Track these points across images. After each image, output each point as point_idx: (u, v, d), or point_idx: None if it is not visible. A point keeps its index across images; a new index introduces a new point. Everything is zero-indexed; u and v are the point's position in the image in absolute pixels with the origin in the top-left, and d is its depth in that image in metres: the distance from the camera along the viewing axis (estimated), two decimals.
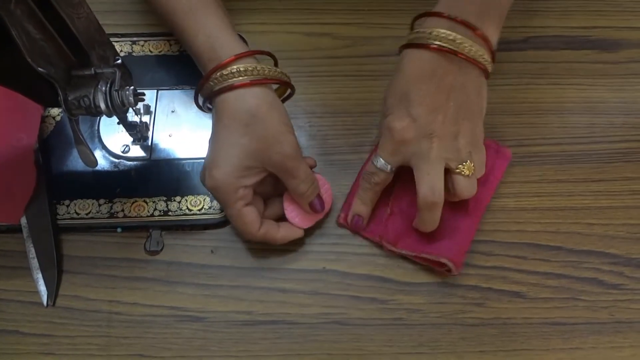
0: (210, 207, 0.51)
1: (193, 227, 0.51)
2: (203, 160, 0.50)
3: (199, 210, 0.51)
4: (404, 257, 0.49)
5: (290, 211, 0.49)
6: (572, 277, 0.49)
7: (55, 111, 0.54)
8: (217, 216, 0.50)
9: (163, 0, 0.49)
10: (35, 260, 0.49)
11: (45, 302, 0.48)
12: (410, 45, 0.47)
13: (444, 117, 0.45)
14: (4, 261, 0.50)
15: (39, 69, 0.36)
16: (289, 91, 0.50)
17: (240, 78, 0.45)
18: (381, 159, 0.47)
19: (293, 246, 0.50)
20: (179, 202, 0.51)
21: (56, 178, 0.52)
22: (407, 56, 0.47)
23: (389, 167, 0.47)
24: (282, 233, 0.48)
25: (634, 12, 0.60)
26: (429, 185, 0.45)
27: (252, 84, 0.45)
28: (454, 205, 0.49)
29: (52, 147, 0.53)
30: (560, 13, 0.60)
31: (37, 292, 0.48)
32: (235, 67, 0.45)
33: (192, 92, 0.54)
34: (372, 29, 0.59)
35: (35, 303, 0.48)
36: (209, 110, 0.49)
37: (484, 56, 0.45)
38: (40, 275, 0.48)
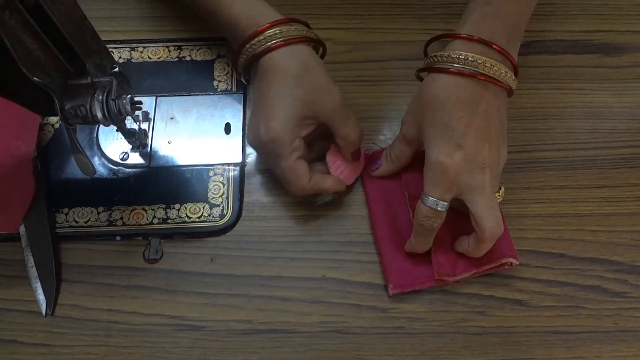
0: (209, 215, 0.50)
1: (192, 235, 0.50)
2: (201, 168, 0.50)
3: (199, 217, 0.50)
4: None
5: (336, 168, 0.50)
6: (576, 285, 0.48)
7: (53, 119, 0.54)
8: (216, 224, 0.50)
9: None
10: (34, 269, 0.48)
11: (44, 312, 0.47)
12: (440, 70, 0.45)
13: (489, 145, 0.44)
14: (3, 270, 0.49)
15: (34, 78, 0.36)
16: (320, 50, 0.52)
17: (283, 39, 0.47)
18: (434, 198, 0.44)
19: (293, 253, 0.50)
20: (178, 210, 0.50)
21: (55, 186, 0.51)
22: (438, 82, 0.45)
23: (446, 204, 0.44)
24: (329, 183, 0.49)
25: (636, 16, 0.60)
26: (495, 218, 0.43)
27: (294, 41, 0.47)
28: None
29: (51, 155, 0.53)
30: (562, 17, 0.60)
31: (35, 301, 0.48)
32: (273, 30, 0.47)
33: (192, 99, 0.55)
34: (372, 33, 0.59)
35: (33, 312, 0.48)
36: (247, 80, 0.52)
37: (512, 77, 0.45)
38: (39, 284, 0.48)
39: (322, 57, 0.52)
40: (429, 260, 0.48)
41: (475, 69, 0.43)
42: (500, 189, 0.46)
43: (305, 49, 0.48)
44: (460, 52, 0.44)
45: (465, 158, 0.43)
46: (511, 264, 0.47)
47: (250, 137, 0.49)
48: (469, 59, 0.43)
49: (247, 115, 0.55)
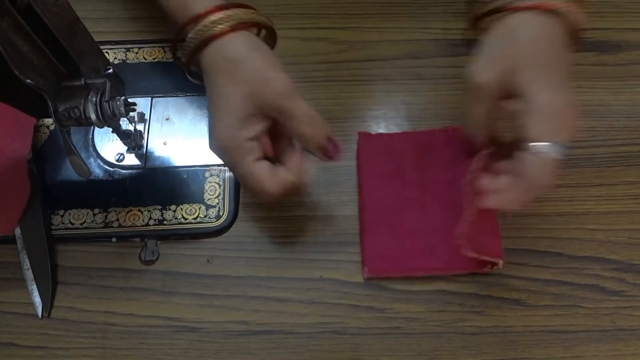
0: (205, 216, 0.50)
1: (188, 236, 0.50)
2: (197, 169, 0.50)
3: (195, 219, 0.50)
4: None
5: None
6: (573, 284, 0.48)
7: (48, 120, 0.54)
8: (212, 225, 0.50)
9: None
10: (30, 271, 0.48)
11: (40, 314, 0.47)
12: (535, 7, 0.42)
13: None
14: None
15: (27, 80, 0.36)
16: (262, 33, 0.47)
17: (216, 28, 0.42)
18: (561, 147, 0.39)
19: (290, 254, 0.49)
20: (174, 211, 0.50)
21: (50, 188, 0.51)
22: (534, 20, 0.42)
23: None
24: (294, 170, 0.43)
25: (633, 14, 0.59)
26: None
27: (227, 32, 0.42)
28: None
29: (46, 157, 0.52)
30: None
31: (31, 304, 0.48)
32: (207, 19, 0.42)
33: (187, 100, 0.54)
34: (369, 33, 0.59)
35: (30, 315, 0.47)
36: (199, 77, 0.46)
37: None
38: (34, 287, 0.48)
39: (272, 45, 0.47)
40: (410, 249, 0.48)
41: (563, 9, 0.41)
42: None
43: (240, 38, 0.42)
44: None
45: (571, 96, 0.40)
46: (493, 265, 0.46)
47: (210, 148, 0.44)
48: None
49: None
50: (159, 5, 0.46)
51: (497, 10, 0.44)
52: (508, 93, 0.42)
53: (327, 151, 0.43)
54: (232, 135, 0.41)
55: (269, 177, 0.42)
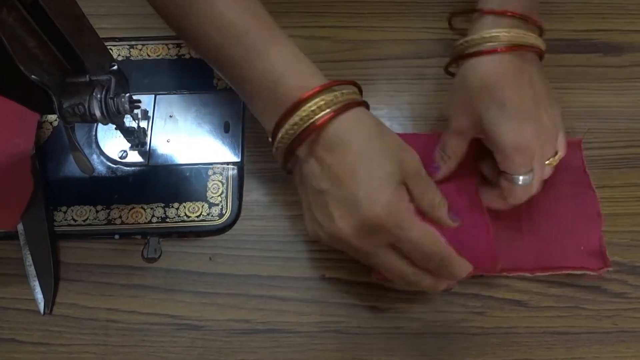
0: (208, 214, 0.50)
1: (191, 234, 0.50)
2: (200, 166, 0.50)
3: (197, 217, 0.50)
4: None
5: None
6: (575, 286, 0.48)
7: (52, 117, 0.54)
8: (215, 223, 0.50)
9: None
10: (32, 267, 0.48)
11: (42, 310, 0.47)
12: (478, 53, 0.45)
13: (544, 108, 0.45)
14: (1, 268, 0.49)
15: (32, 76, 0.36)
16: None
17: (340, 104, 0.39)
18: (524, 177, 0.44)
19: (292, 253, 0.49)
20: (177, 209, 0.50)
21: (53, 184, 0.51)
22: (481, 65, 0.45)
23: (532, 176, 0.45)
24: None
25: (637, 16, 0.59)
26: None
27: (352, 105, 0.40)
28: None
29: (49, 153, 0.52)
30: (563, 16, 0.60)
31: (33, 300, 0.47)
32: (325, 95, 0.39)
33: (191, 97, 0.55)
34: (372, 32, 0.59)
35: (31, 311, 0.47)
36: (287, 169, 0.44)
37: (541, 40, 0.46)
38: (36, 283, 0.48)
39: None
40: None
41: (510, 42, 0.44)
42: (556, 153, 0.46)
43: (365, 111, 0.41)
44: (491, 31, 0.44)
45: (532, 127, 0.43)
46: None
47: (338, 221, 0.39)
48: (503, 34, 0.44)
49: (247, 113, 0.54)
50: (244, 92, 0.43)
51: (460, 57, 0.47)
52: (480, 133, 0.46)
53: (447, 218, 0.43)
54: (399, 200, 0.39)
55: (440, 237, 0.40)
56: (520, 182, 0.44)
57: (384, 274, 0.43)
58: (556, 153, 0.46)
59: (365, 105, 0.42)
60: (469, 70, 0.45)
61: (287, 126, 0.39)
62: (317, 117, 0.39)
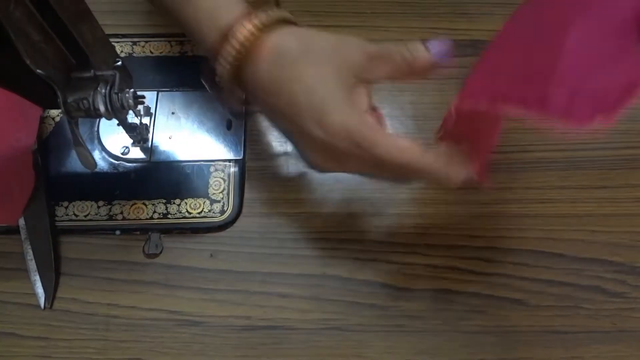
0: (210, 211, 0.50)
1: (192, 231, 0.50)
2: (202, 163, 0.50)
3: (199, 213, 0.50)
4: (406, 263, 0.49)
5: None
6: (575, 285, 0.48)
7: (54, 112, 0.54)
8: (216, 219, 0.50)
9: None
10: (33, 262, 0.48)
11: (42, 305, 0.47)
12: None
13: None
14: (2, 263, 0.49)
15: (38, 70, 0.35)
16: None
17: (257, 34, 0.37)
18: None
19: (293, 250, 0.49)
20: (179, 205, 0.50)
21: (55, 179, 0.51)
22: None
23: None
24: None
25: None
26: None
27: (271, 34, 0.37)
28: None
29: (51, 148, 0.52)
30: None
31: (34, 295, 0.47)
32: (245, 28, 0.37)
33: (193, 95, 0.54)
34: (375, 31, 0.59)
35: (32, 305, 0.47)
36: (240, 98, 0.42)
37: None
38: (37, 278, 0.48)
39: None
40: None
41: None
42: None
43: (285, 32, 0.38)
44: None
45: None
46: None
47: (309, 154, 0.38)
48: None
49: (249, 111, 0.55)
50: (178, 21, 0.41)
51: None
52: None
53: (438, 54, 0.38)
54: (349, 116, 0.35)
55: (411, 147, 0.35)
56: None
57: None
58: None
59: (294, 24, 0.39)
60: None
61: (225, 53, 0.38)
62: (250, 41, 0.37)
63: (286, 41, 0.38)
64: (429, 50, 0.38)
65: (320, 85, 0.36)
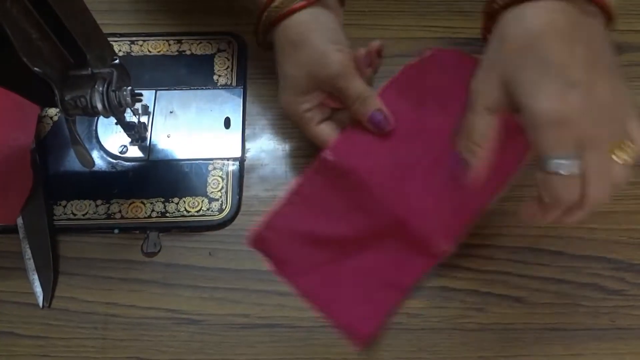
0: (208, 209, 0.50)
1: (191, 229, 0.50)
2: (200, 162, 0.50)
3: (197, 211, 0.50)
4: None
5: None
6: (573, 283, 0.48)
7: (52, 111, 0.54)
8: (215, 218, 0.50)
9: None
10: (31, 261, 0.48)
11: (40, 304, 0.47)
12: (519, 1, 0.36)
13: (602, 80, 0.35)
14: (0, 262, 0.49)
15: (35, 68, 0.36)
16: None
17: (281, 8, 0.44)
18: (564, 161, 0.34)
19: None
20: (177, 204, 0.50)
21: (53, 178, 0.51)
22: (524, 15, 0.36)
23: (579, 162, 0.34)
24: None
25: (635, 16, 0.60)
26: (602, 186, 0.35)
27: (291, 10, 0.44)
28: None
29: (49, 148, 0.52)
30: None
31: (32, 294, 0.47)
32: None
33: (191, 93, 0.55)
34: (372, 30, 0.59)
35: (30, 304, 0.47)
36: (269, 47, 0.48)
37: None
38: (36, 277, 0.48)
39: (342, 3, 0.49)
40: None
41: None
42: (624, 143, 0.35)
43: (308, 15, 0.44)
44: None
45: (582, 96, 0.33)
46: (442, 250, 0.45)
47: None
48: None
49: (247, 109, 0.55)
50: None
51: (492, 14, 0.39)
52: (513, 106, 0.37)
53: (374, 121, 0.45)
54: (295, 108, 0.46)
55: (333, 137, 0.47)
56: (554, 168, 0.34)
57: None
58: (625, 144, 0.35)
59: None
60: (511, 21, 0.36)
61: (267, 10, 0.45)
62: (283, 7, 0.44)
63: (295, 29, 0.45)
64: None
65: (291, 79, 0.46)
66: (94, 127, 0.53)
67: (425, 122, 0.46)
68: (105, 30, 0.42)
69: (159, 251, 0.50)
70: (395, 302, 0.47)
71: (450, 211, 0.44)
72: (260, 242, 0.48)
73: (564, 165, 0.34)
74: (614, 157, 0.35)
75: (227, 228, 0.50)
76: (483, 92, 0.38)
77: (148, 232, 0.50)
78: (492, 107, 0.37)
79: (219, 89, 0.55)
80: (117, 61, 0.42)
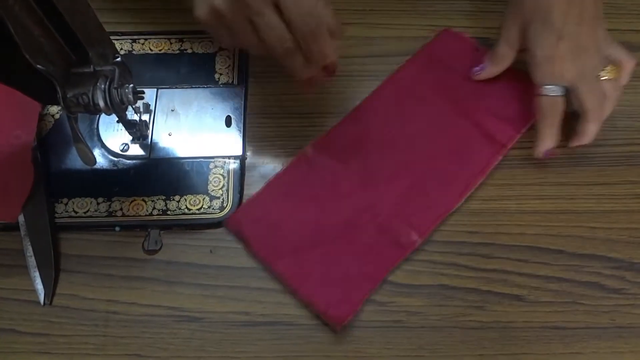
0: (209, 207, 0.50)
1: (192, 227, 0.50)
2: (201, 160, 0.50)
3: (198, 209, 0.50)
4: (405, 259, 0.49)
5: None
6: (573, 281, 0.49)
7: (54, 109, 0.54)
8: (216, 216, 0.50)
9: None
10: (33, 258, 0.48)
11: (42, 301, 0.47)
12: None
13: (587, 28, 0.49)
14: (1, 259, 0.49)
15: (38, 65, 0.36)
16: None
17: None
18: (552, 86, 0.49)
19: None
20: (178, 202, 0.50)
21: (54, 176, 0.51)
22: None
23: (562, 89, 0.49)
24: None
25: (636, 15, 0.60)
26: (595, 99, 0.49)
27: None
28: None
29: (51, 145, 0.52)
30: None
31: (34, 291, 0.48)
32: None
33: (193, 92, 0.55)
34: (374, 29, 0.59)
35: (32, 302, 0.47)
36: None
37: None
38: (37, 274, 0.48)
39: None
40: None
41: None
42: (606, 67, 0.50)
43: None
44: None
45: (568, 45, 0.48)
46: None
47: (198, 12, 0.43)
48: None
49: (248, 108, 0.55)
50: None
51: None
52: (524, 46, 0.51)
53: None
54: None
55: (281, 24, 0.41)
56: (544, 92, 0.49)
57: (266, 37, 0.42)
58: (607, 67, 0.50)
59: None
60: None
61: None
62: None
63: None
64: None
65: None
66: (96, 125, 0.53)
67: (404, 128, 0.53)
68: (107, 28, 0.42)
69: (160, 249, 0.50)
70: (369, 290, 0.47)
71: (418, 209, 0.50)
72: (239, 224, 0.49)
73: (550, 89, 0.49)
74: (602, 78, 0.50)
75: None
76: (507, 31, 0.52)
77: (149, 229, 0.50)
78: (511, 43, 0.52)
79: (220, 87, 0.55)
80: (119, 59, 0.43)
